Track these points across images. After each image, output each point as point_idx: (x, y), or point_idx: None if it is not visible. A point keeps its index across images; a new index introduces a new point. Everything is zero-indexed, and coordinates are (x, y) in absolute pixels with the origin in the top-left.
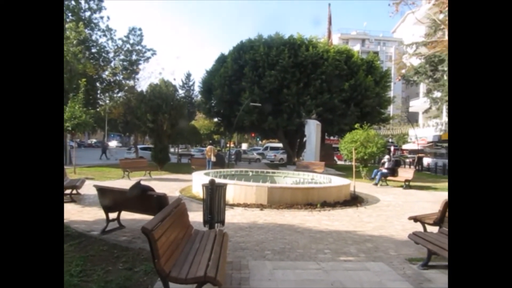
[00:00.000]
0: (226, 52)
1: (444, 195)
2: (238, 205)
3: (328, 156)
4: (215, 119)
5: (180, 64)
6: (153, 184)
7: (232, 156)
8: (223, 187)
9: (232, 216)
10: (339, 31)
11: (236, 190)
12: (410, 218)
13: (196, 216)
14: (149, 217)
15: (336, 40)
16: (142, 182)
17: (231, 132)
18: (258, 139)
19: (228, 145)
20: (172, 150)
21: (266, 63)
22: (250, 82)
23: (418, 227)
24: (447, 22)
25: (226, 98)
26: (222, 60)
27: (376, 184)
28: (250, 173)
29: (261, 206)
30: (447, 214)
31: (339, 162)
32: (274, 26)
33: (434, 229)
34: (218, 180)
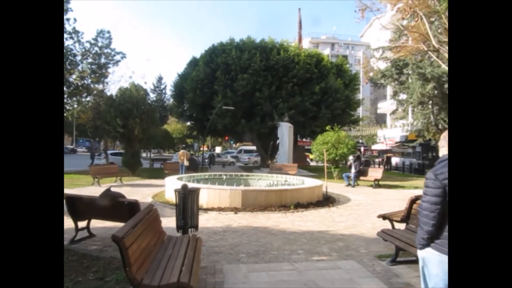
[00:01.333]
0: (198, 56)
1: (411, 193)
2: (212, 209)
3: (301, 158)
4: (188, 123)
5: (151, 67)
6: (124, 191)
7: (206, 160)
8: (195, 191)
9: (206, 221)
10: (310, 35)
11: (210, 194)
12: (379, 216)
13: (169, 222)
14: (120, 225)
15: (306, 44)
16: (113, 189)
17: (204, 135)
18: (232, 142)
19: (201, 148)
20: (144, 155)
21: (238, 67)
22: (222, 86)
23: (387, 224)
24: (410, 27)
25: (198, 102)
26: (194, 63)
27: (352, 186)
28: (224, 177)
29: (235, 210)
30: (413, 211)
31: (311, 164)
32: (246, 30)
33: (402, 226)
34: (191, 185)
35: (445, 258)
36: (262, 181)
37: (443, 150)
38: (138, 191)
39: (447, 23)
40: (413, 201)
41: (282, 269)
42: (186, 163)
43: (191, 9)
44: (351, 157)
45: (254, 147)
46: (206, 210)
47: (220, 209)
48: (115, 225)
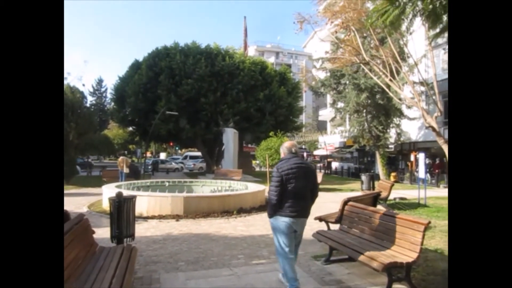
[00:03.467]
0: (140, 59)
1: (347, 195)
2: (153, 217)
3: (246, 164)
4: (130, 128)
5: (90, 69)
6: None
7: (149, 167)
8: (132, 199)
9: (145, 230)
10: (256, 43)
11: (150, 202)
12: (316, 218)
13: (105, 232)
14: None
15: (252, 52)
16: None
17: (147, 141)
18: (177, 148)
19: (144, 155)
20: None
21: (182, 71)
22: (166, 90)
23: (324, 226)
24: (345, 41)
25: (140, 106)
26: (136, 66)
27: None
28: (167, 184)
29: (177, 217)
30: (345, 212)
31: (257, 169)
32: (190, 35)
33: (337, 227)
34: (128, 192)
35: (285, 219)
36: (206, 187)
37: (282, 155)
38: (72, 200)
39: (376, 39)
40: (346, 202)
41: (221, 275)
42: (126, 170)
43: (134, 11)
44: None
45: (199, 153)
46: (146, 218)
47: (161, 217)
48: None
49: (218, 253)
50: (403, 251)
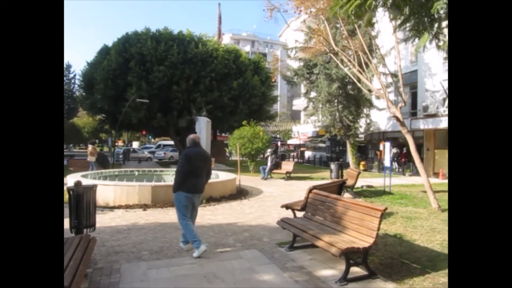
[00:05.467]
0: (110, 44)
1: (316, 183)
2: (119, 207)
3: (219, 153)
4: (99, 116)
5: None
6: None
7: (120, 156)
8: (92, 188)
9: (110, 219)
10: (231, 31)
11: (116, 191)
12: (282, 206)
13: (66, 223)
14: None
15: (227, 40)
16: None
17: (117, 130)
18: (150, 137)
19: (115, 144)
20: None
21: (154, 58)
22: (136, 77)
23: (291, 214)
24: (316, 30)
25: (110, 94)
26: (105, 52)
27: (265, 178)
28: (136, 173)
29: (144, 206)
30: (309, 200)
31: (231, 158)
32: (162, 21)
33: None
34: (96, 182)
35: (186, 194)
36: None
37: (188, 145)
38: None
39: (346, 30)
40: (310, 190)
41: (184, 263)
42: (90, 158)
43: None
44: (269, 151)
45: (173, 142)
46: (113, 208)
47: (128, 207)
48: None
49: None
50: (361, 237)
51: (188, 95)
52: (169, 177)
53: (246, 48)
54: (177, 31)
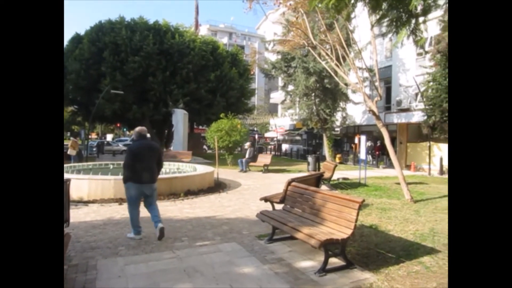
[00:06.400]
0: (82, 32)
1: (294, 176)
2: (94, 201)
3: (197, 146)
4: (71, 108)
5: None
6: None
7: (94, 149)
8: (65, 183)
9: (85, 214)
10: (208, 23)
11: (91, 185)
12: (261, 199)
13: None
14: None
15: (205, 31)
16: None
17: (90, 122)
18: (125, 129)
19: (89, 136)
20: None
21: (129, 48)
22: (111, 68)
23: (270, 206)
24: (295, 23)
25: (82, 84)
26: (77, 40)
27: (244, 171)
28: (111, 166)
29: (120, 201)
30: (288, 192)
31: (209, 151)
32: (137, 10)
33: (282, 207)
34: (68, 176)
35: (136, 184)
36: None
37: (134, 137)
38: None
39: (324, 24)
40: (289, 183)
41: (163, 258)
42: (73, 152)
43: None
44: (247, 144)
45: (149, 135)
46: (87, 203)
47: (103, 201)
48: None
49: None
50: (340, 228)
51: (164, 86)
52: None
53: (223, 40)
54: (153, 21)
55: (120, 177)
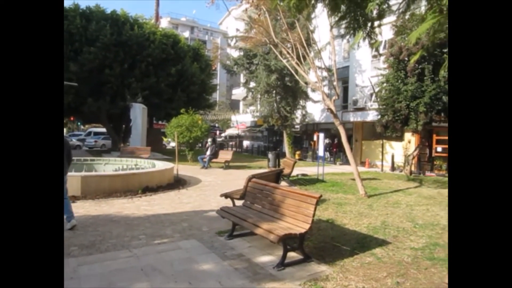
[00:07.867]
0: None
1: (255, 172)
2: None
3: (156, 141)
4: None
5: None
6: None
7: None
8: None
9: None
10: (169, 15)
11: None
12: (222, 195)
13: None
14: None
15: (165, 24)
16: None
17: None
18: (79, 123)
19: None
20: None
21: (84, 38)
22: (64, 58)
23: (231, 202)
24: (257, 20)
25: None
26: None
27: (205, 167)
28: None
29: (73, 198)
30: (248, 188)
31: (168, 147)
32: None
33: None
34: None
35: None
36: (110, 166)
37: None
38: None
39: (286, 23)
40: (250, 179)
41: (119, 257)
42: None
43: None
44: (209, 140)
45: (105, 129)
46: None
47: None
48: None
49: (117, 234)
50: (298, 223)
51: (122, 79)
52: (101, 166)
53: (185, 34)
54: (110, 10)
55: (74, 173)
